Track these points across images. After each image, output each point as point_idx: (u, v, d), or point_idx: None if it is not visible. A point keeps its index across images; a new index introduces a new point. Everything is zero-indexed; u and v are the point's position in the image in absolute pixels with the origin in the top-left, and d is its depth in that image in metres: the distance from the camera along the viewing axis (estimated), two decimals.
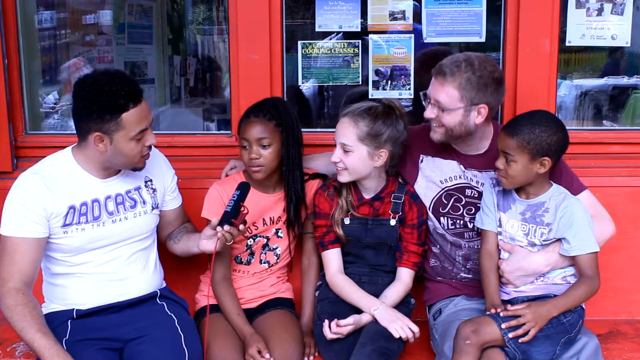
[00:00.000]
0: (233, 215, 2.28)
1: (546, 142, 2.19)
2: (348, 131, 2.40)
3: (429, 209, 2.53)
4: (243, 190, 2.34)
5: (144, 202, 2.43)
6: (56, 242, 2.29)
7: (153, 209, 2.47)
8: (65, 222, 2.27)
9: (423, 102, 2.46)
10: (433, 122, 2.42)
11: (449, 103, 2.34)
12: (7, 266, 2.20)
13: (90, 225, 2.31)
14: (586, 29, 2.96)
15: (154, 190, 2.49)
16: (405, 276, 2.52)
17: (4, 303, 2.18)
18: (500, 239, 2.35)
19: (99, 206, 2.33)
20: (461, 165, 2.52)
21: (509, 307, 2.21)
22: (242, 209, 2.31)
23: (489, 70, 2.34)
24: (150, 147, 2.32)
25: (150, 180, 2.48)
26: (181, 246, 2.55)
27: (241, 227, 2.29)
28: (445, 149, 2.53)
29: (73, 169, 2.31)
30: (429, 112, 2.40)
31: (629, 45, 3.02)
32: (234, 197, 2.32)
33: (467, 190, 2.51)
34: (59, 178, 2.28)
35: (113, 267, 2.38)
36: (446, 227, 2.52)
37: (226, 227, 2.26)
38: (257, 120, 2.48)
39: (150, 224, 2.46)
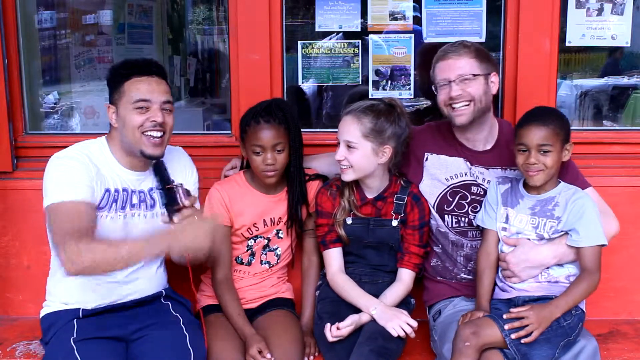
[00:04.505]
0: (171, 203, 2.18)
1: (569, 128, 2.28)
2: (352, 128, 2.39)
3: (434, 207, 2.53)
4: (158, 171, 2.28)
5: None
6: None
7: None
8: (100, 205, 2.27)
9: (435, 92, 2.47)
10: (459, 102, 2.40)
11: (470, 70, 2.38)
12: (63, 224, 2.10)
13: (118, 214, 2.32)
14: (586, 29, 2.96)
15: None
16: (405, 277, 2.52)
17: (77, 254, 2.02)
18: (504, 235, 2.34)
19: (127, 196, 2.35)
20: (467, 162, 2.51)
21: (511, 309, 2.20)
22: (173, 189, 2.20)
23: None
24: (157, 128, 2.27)
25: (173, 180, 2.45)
26: None
27: (187, 202, 2.17)
28: (451, 146, 2.53)
29: (107, 155, 2.34)
30: (456, 90, 2.39)
31: (629, 45, 3.02)
32: (158, 187, 2.25)
33: (473, 187, 2.51)
34: (97, 162, 2.29)
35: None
36: (450, 226, 2.52)
37: (176, 219, 2.15)
38: (268, 125, 2.46)
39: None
